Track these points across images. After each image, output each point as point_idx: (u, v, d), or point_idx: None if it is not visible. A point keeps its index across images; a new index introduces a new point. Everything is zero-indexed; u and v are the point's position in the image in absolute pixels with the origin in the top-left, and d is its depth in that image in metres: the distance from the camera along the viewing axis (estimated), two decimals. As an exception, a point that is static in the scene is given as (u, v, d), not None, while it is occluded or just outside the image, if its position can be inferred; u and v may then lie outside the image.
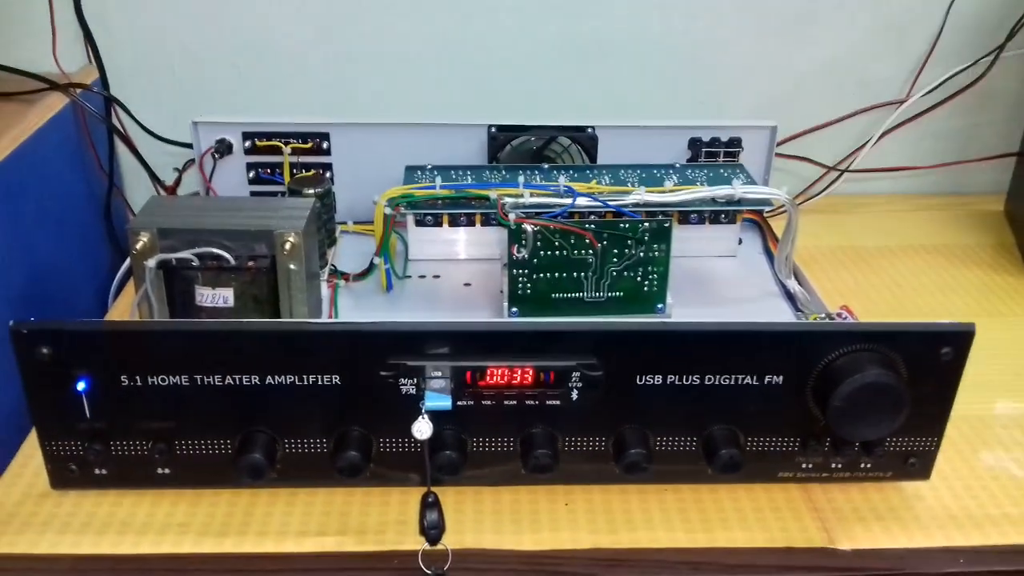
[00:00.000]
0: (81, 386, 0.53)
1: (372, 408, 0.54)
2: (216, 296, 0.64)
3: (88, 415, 0.53)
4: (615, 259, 0.69)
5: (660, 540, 0.55)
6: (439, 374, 0.53)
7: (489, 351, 0.53)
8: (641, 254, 0.69)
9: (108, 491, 0.57)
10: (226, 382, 0.53)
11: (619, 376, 0.54)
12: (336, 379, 0.53)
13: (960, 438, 0.63)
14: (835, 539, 0.55)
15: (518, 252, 0.69)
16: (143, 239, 0.63)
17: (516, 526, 0.56)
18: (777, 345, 0.54)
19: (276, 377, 0.53)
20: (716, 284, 0.77)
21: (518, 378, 0.53)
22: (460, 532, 0.55)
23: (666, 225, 0.69)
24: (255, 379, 0.53)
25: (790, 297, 0.74)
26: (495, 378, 0.53)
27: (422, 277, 0.77)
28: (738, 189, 0.69)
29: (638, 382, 0.54)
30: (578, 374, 0.53)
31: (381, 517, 0.56)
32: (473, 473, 0.56)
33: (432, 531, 0.51)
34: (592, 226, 0.68)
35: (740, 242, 0.82)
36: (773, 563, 0.54)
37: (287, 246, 0.63)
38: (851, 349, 0.53)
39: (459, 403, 0.54)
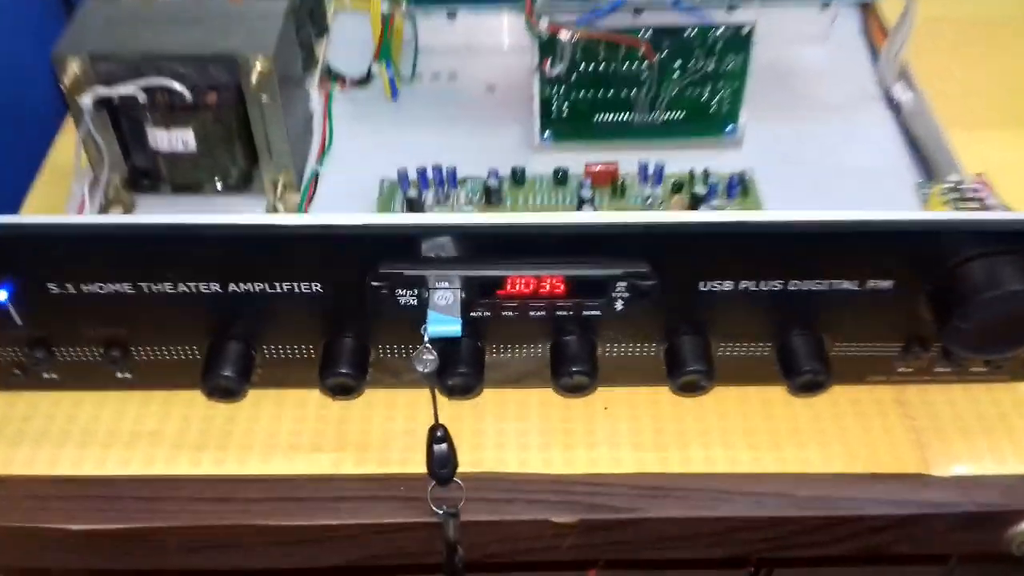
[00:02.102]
0: (1, 295, 0.42)
1: (364, 318, 0.43)
2: (174, 139, 0.52)
3: (19, 323, 0.43)
4: (676, 74, 0.54)
5: (717, 461, 0.46)
6: (445, 285, 0.41)
7: (509, 255, 0.41)
8: (711, 68, 0.54)
9: (65, 393, 0.48)
10: (180, 290, 0.42)
11: (677, 282, 0.42)
12: (318, 287, 0.42)
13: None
14: (930, 460, 0.46)
15: (551, 68, 0.54)
16: (73, 68, 0.49)
17: (545, 439, 0.47)
18: (890, 246, 0.41)
19: (242, 285, 0.42)
20: (800, 83, 0.62)
21: (547, 287, 0.42)
22: (478, 449, 0.46)
23: (745, 32, 0.53)
24: (215, 287, 0.42)
25: (895, 108, 0.59)
26: (517, 287, 0.42)
27: (435, 78, 0.63)
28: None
29: (701, 288, 0.42)
30: (625, 283, 0.41)
31: (385, 427, 0.47)
32: (493, 376, 0.46)
33: (442, 471, 0.42)
34: (649, 33, 0.53)
35: (833, 20, 0.65)
36: (853, 495, 0.45)
37: (255, 74, 0.50)
38: (985, 251, 0.40)
39: (472, 315, 0.42)
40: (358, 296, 0.42)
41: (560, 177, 0.54)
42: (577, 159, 0.54)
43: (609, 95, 0.55)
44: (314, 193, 0.55)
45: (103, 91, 0.49)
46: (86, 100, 0.49)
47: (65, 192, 0.51)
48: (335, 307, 0.43)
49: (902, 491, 0.45)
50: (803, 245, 0.41)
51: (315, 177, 0.56)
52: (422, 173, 0.53)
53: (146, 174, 0.53)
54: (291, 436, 0.47)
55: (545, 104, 0.56)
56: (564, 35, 0.53)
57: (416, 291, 0.41)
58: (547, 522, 0.45)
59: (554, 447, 0.46)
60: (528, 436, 0.47)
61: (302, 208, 0.54)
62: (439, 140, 0.57)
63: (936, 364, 0.46)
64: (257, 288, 0.42)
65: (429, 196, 0.52)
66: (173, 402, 0.48)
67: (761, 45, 0.56)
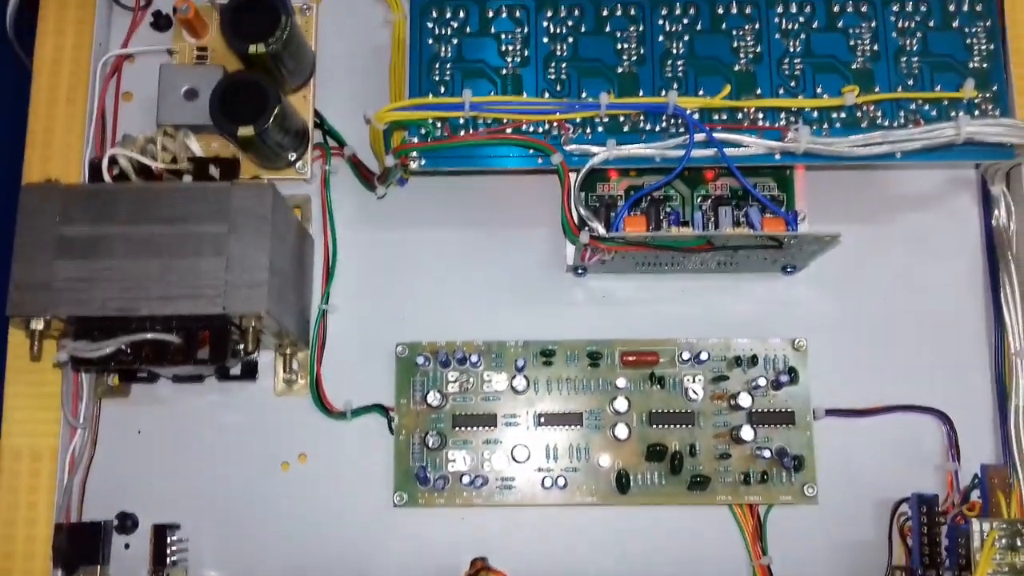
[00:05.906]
0: None
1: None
2: (167, 372, 0.47)
3: None
4: (737, 254, 0.47)
5: None
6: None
7: None
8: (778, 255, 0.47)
9: None
10: None
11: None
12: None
13: None
14: None
15: (590, 258, 0.47)
16: (37, 327, 0.43)
17: None
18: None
19: None
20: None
21: None
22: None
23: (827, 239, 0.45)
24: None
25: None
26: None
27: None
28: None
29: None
30: None
31: None
32: None
33: None
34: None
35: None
36: None
37: (251, 329, 0.44)
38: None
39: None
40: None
41: (594, 358, 0.49)
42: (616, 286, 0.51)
43: (655, 257, 0.48)
44: (324, 341, 0.51)
45: (84, 351, 0.43)
46: (62, 356, 0.44)
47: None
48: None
49: None
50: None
51: (322, 318, 0.51)
52: (442, 360, 0.48)
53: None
54: None
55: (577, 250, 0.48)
56: (602, 251, 0.44)
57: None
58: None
59: None
60: None
61: (313, 372, 0.50)
62: (456, 248, 0.52)
63: None
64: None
65: (452, 378, 0.49)
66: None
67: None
